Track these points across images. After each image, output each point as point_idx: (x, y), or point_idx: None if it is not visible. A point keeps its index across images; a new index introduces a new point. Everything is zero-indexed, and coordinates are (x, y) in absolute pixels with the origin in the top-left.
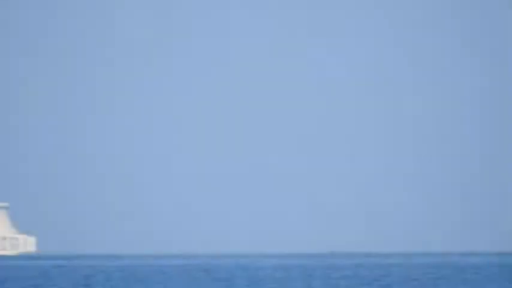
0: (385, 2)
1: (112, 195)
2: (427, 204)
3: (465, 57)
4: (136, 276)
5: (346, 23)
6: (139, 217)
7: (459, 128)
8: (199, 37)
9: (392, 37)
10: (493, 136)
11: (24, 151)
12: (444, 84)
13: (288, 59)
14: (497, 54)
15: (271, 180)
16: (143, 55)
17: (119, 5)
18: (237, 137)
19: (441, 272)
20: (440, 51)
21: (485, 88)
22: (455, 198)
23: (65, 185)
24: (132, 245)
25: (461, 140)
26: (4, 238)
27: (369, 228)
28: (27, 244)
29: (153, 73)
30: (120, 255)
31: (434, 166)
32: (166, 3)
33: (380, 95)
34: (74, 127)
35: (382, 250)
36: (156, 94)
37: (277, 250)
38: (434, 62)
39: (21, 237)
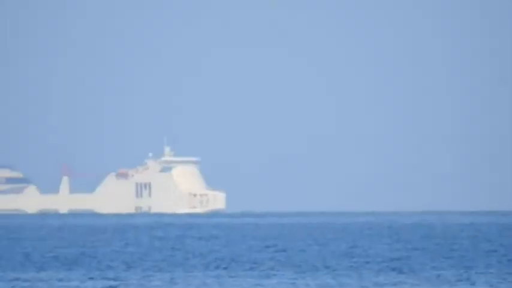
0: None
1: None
2: None
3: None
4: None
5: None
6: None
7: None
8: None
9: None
10: None
11: (214, 107)
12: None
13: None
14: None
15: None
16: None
17: None
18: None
19: None
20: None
21: None
22: None
23: (256, 138)
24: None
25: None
26: (194, 195)
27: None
28: (216, 201)
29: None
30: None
31: None
32: None
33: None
34: None
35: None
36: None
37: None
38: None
39: (211, 194)
